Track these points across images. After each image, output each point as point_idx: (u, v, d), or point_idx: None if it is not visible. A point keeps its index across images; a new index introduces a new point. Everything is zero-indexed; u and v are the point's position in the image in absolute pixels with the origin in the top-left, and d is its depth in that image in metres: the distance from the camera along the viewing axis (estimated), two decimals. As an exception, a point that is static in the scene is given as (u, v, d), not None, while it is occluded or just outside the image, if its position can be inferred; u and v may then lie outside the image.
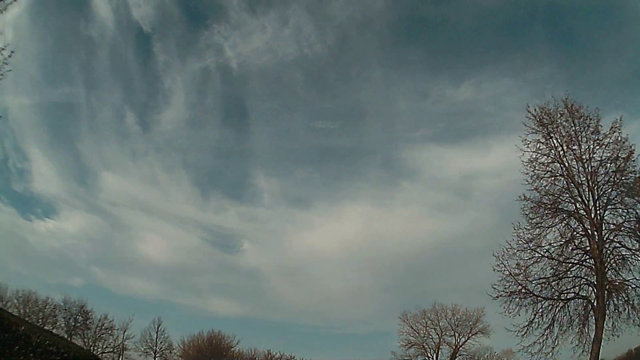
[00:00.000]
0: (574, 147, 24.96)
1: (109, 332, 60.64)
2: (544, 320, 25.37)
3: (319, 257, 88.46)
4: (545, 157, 25.61)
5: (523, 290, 24.15)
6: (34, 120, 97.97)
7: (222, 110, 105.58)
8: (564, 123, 25.96)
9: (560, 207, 24.85)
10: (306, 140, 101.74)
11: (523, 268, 24.21)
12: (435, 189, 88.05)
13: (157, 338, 62.55)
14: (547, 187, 25.24)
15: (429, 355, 60.12)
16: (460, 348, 60.01)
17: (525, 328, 25.05)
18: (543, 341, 25.06)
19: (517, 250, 24.24)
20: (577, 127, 25.58)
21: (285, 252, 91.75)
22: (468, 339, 60.05)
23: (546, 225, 24.66)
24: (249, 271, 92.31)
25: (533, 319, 25.10)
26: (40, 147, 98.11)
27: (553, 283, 24.89)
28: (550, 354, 25.14)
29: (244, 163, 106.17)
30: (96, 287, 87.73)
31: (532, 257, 24.27)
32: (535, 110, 26.46)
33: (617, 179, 23.86)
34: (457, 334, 59.97)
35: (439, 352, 60.04)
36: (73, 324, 60.08)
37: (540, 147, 25.77)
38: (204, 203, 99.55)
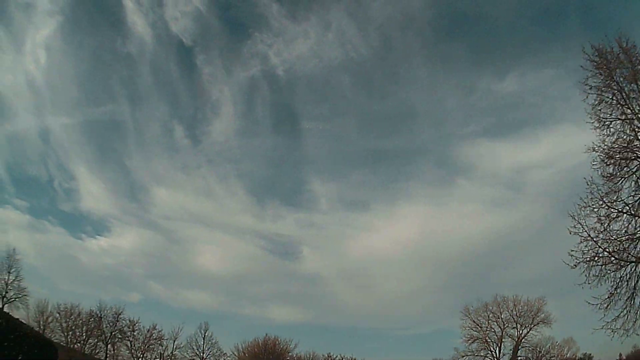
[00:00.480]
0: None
1: (158, 342, 60.87)
2: (626, 289, 21.77)
3: (378, 259, 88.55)
4: (610, 99, 22.22)
5: (604, 254, 20.68)
6: (78, 140, 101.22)
7: (272, 118, 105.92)
8: (624, 61, 22.55)
9: (633, 153, 21.33)
10: (359, 142, 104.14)
11: (602, 228, 20.74)
12: (489, 184, 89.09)
13: (204, 344, 62.09)
14: (616, 134, 21.82)
15: (492, 349, 56.00)
16: (523, 340, 55.29)
17: (608, 300, 21.57)
18: (625, 314, 21.60)
19: (594, 208, 20.88)
20: (638, 66, 22.06)
21: (345, 256, 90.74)
22: (530, 330, 55.53)
23: (620, 177, 21.21)
24: (309, 277, 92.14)
25: (615, 289, 21.57)
26: (87, 166, 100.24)
27: (635, 244, 21.27)
28: (632, 329, 21.46)
29: (299, 169, 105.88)
30: (154, 301, 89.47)
31: (609, 215, 20.83)
32: (592, 50, 23.14)
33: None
34: (519, 326, 55.76)
35: (502, 346, 55.69)
36: (110, 332, 60.38)
37: (604, 90, 22.42)
38: (261, 212, 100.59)
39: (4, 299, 61.07)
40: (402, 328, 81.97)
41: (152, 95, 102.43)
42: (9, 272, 61.07)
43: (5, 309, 61.06)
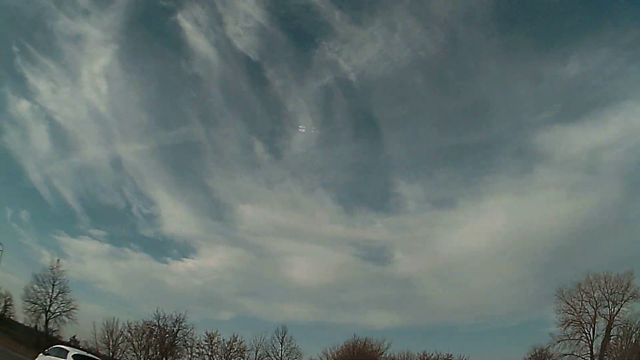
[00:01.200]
0: None
1: (240, 354, 57.88)
2: None
3: (467, 255, 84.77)
4: None
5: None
6: (154, 165, 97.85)
7: (351, 125, 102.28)
8: None
9: None
10: (439, 140, 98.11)
11: None
12: (566, 170, 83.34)
13: (282, 349, 59.33)
14: None
15: (586, 331, 55.19)
16: (615, 317, 55.01)
17: None
18: None
19: None
20: None
21: (435, 255, 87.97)
22: (621, 306, 55.07)
23: None
24: (402, 280, 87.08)
25: None
26: (166, 190, 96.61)
27: None
28: None
29: (383, 173, 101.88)
30: (246, 317, 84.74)
31: None
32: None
33: None
34: (611, 303, 55.04)
35: (595, 327, 55.14)
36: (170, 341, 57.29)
37: None
38: (350, 219, 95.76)
39: (48, 313, 58.75)
40: (492, 322, 78.89)
41: (226, 114, 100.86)
42: (53, 285, 58.96)
43: (50, 324, 58.17)
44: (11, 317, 62.50)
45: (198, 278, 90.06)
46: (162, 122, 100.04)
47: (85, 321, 60.76)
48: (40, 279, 59.37)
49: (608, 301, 54.66)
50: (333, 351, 58.54)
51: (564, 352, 54.89)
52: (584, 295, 55.43)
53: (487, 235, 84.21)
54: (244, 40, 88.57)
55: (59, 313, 59.13)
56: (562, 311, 55.60)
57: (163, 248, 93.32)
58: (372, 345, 58.68)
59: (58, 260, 59.20)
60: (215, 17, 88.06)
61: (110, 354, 57.20)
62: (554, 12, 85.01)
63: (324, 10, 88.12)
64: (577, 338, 54.95)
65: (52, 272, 59.43)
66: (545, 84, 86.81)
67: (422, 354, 60.35)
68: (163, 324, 57.16)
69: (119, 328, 57.63)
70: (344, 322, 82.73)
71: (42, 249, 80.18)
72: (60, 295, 59.27)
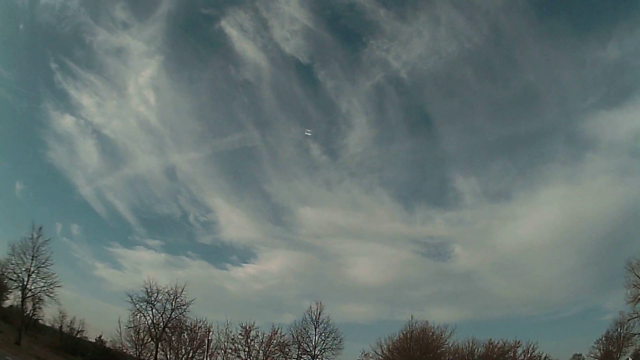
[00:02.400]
0: None
1: (280, 348, 50.11)
2: None
3: (525, 246, 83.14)
4: None
5: None
6: (209, 172, 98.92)
7: (405, 121, 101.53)
8: None
9: None
10: (492, 132, 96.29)
11: None
12: (614, 155, 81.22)
13: (316, 333, 50.95)
14: None
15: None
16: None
17: None
18: None
19: None
20: None
21: (494, 248, 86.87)
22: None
23: None
24: (463, 274, 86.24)
25: None
26: (223, 197, 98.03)
27: None
28: None
29: (440, 168, 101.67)
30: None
31: None
32: None
33: None
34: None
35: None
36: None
37: None
38: (410, 216, 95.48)
39: (25, 289, 47.18)
40: (552, 312, 76.80)
41: (279, 117, 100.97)
42: (33, 258, 47.08)
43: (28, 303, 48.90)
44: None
45: (259, 283, 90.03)
46: (215, 129, 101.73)
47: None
48: (17, 250, 48.08)
49: None
50: (388, 341, 50.11)
51: (635, 331, 50.16)
52: None
53: (543, 225, 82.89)
54: (291, 43, 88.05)
55: (37, 291, 49.08)
56: (632, 286, 49.28)
57: (222, 255, 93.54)
58: (432, 332, 49.75)
59: (40, 228, 48.56)
60: (260, 22, 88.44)
61: (137, 353, 51.09)
62: None
63: (368, 9, 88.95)
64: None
65: (33, 241, 48.07)
66: (588, 69, 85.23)
67: (487, 342, 51.92)
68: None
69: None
70: (407, 319, 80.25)
71: (96, 261, 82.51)
72: (39, 269, 48.28)
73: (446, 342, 50.05)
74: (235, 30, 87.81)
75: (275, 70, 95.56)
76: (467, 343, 53.14)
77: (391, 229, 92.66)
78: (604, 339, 54.47)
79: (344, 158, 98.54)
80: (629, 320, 50.94)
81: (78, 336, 57.59)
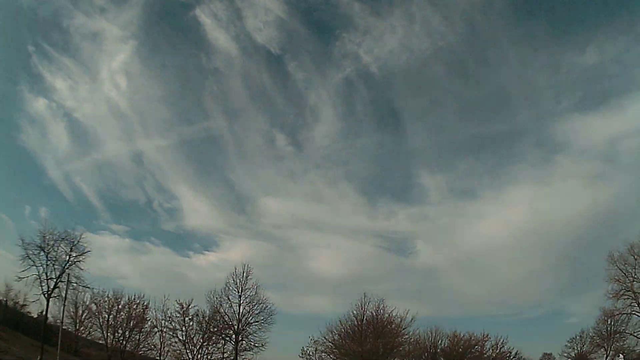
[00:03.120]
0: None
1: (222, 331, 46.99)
2: None
3: (490, 246, 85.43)
4: None
5: None
6: (175, 159, 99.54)
7: (373, 116, 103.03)
8: None
9: None
10: (461, 131, 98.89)
11: None
12: (586, 159, 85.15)
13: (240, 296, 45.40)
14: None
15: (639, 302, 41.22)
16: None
17: None
18: None
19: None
20: None
21: (457, 246, 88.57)
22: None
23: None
24: (425, 271, 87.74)
25: None
26: (188, 184, 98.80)
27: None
28: None
29: (406, 164, 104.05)
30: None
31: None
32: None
33: None
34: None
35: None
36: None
37: None
38: (373, 211, 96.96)
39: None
40: (516, 313, 77.88)
41: (248, 107, 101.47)
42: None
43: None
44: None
45: (221, 271, 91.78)
46: (183, 117, 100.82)
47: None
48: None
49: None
50: (340, 326, 45.79)
51: (619, 328, 46.90)
52: (638, 260, 44.71)
53: (509, 225, 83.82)
54: (264, 34, 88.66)
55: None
56: (614, 280, 46.05)
57: (185, 242, 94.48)
58: (389, 317, 44.85)
59: None
60: (235, 11, 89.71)
61: (75, 330, 48.21)
62: (571, 0, 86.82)
63: (343, 2, 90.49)
64: (627, 312, 46.07)
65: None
66: (564, 73, 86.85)
67: (452, 334, 47.74)
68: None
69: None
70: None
71: (62, 244, 79.01)
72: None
73: (405, 330, 45.39)
74: (209, 18, 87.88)
75: (245, 60, 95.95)
76: (429, 333, 49.08)
77: (354, 222, 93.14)
78: (578, 338, 51.85)
79: (310, 150, 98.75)
80: (609, 317, 47.42)
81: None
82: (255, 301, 45.59)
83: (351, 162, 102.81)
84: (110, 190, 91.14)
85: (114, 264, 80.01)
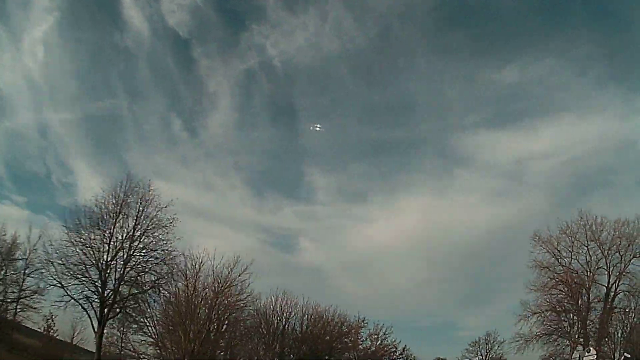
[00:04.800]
0: None
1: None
2: None
3: (379, 250, 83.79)
4: None
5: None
6: (77, 135, 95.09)
7: (270, 110, 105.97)
8: None
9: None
10: (359, 134, 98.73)
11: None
12: (490, 175, 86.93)
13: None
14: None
15: (575, 296, 35.67)
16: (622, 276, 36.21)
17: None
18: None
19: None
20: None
21: (345, 248, 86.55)
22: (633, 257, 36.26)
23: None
24: (309, 269, 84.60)
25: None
26: (86, 161, 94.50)
27: None
28: None
29: (298, 161, 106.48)
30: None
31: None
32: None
33: None
34: (617, 255, 35.68)
35: (590, 293, 35.77)
36: None
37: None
38: (260, 204, 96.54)
39: None
40: (408, 320, 77.04)
41: (150, 89, 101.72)
42: None
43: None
44: None
45: None
46: (90, 93, 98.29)
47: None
48: None
49: (618, 252, 35.09)
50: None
51: (538, 331, 36.07)
52: (575, 243, 36.24)
53: (401, 232, 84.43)
54: (176, 16, 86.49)
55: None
56: (539, 266, 37.12)
57: (78, 219, 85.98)
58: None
59: None
60: None
61: None
62: (499, 19, 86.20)
63: None
64: (561, 310, 36.66)
65: None
66: (478, 88, 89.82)
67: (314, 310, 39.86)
68: None
69: None
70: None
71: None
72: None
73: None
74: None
75: (154, 41, 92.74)
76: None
77: (241, 214, 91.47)
78: (482, 340, 49.15)
79: (203, 137, 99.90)
80: (534, 314, 36.38)
81: None
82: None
83: (243, 154, 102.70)
84: (16, 160, 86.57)
85: (13, 235, 72.03)
